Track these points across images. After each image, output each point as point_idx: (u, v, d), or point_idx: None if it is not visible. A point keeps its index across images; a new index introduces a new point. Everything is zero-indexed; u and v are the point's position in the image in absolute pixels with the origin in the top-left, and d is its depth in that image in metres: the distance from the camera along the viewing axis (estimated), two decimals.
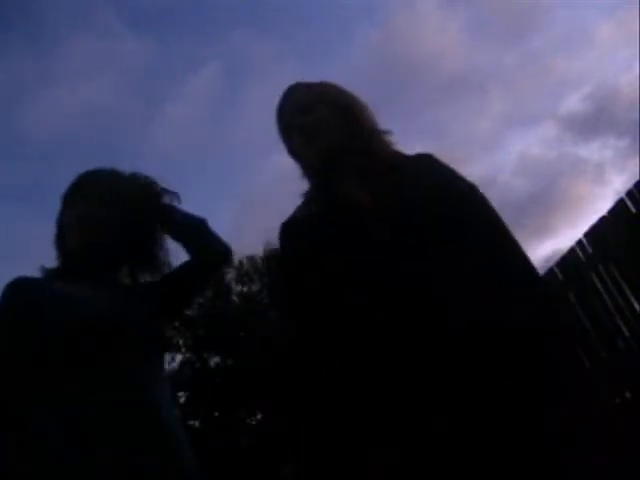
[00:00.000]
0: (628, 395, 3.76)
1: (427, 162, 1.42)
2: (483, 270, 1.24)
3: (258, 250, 11.36)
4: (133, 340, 1.48)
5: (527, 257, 1.33)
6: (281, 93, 1.55)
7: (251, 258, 11.02)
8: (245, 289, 10.99)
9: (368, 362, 1.23)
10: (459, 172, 1.41)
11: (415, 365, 1.18)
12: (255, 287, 10.95)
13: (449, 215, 1.28)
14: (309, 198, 1.47)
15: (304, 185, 1.50)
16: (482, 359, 1.17)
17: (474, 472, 1.11)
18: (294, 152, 1.50)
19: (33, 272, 1.58)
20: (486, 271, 1.24)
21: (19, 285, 1.52)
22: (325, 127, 1.43)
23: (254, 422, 10.07)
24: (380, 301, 1.24)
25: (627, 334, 3.87)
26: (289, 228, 1.44)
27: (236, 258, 11.09)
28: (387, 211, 1.31)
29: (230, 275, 11.06)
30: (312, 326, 1.33)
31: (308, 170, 1.49)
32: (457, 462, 1.12)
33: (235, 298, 10.78)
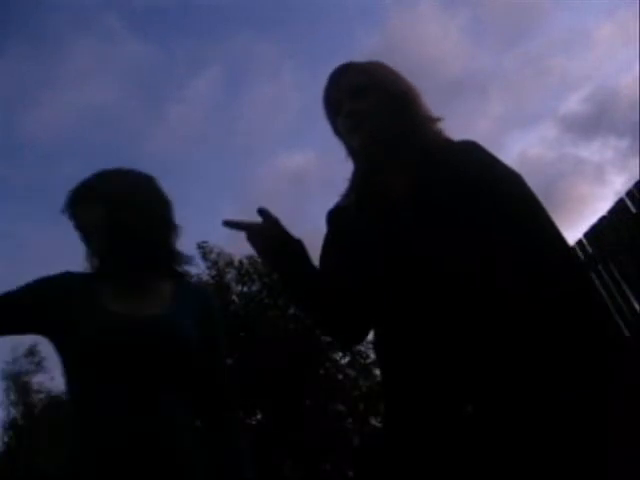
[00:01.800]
0: None
1: (470, 150, 1.40)
2: (516, 260, 1.23)
3: None
4: (164, 356, 1.47)
5: (568, 250, 1.31)
6: (332, 71, 1.50)
7: (251, 258, 11.00)
8: (245, 289, 10.98)
9: (401, 347, 1.26)
10: (502, 160, 1.39)
11: (444, 349, 1.20)
12: (255, 287, 10.93)
13: (485, 207, 1.27)
14: (350, 186, 1.48)
15: (349, 165, 1.50)
16: (503, 343, 1.17)
17: (494, 456, 1.13)
18: (340, 136, 1.49)
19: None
20: (519, 261, 1.23)
21: (68, 281, 1.54)
22: (374, 114, 1.40)
23: (254, 422, 10.06)
24: (406, 292, 1.26)
25: (627, 334, 3.87)
26: (331, 216, 1.47)
27: (236, 258, 11.09)
28: (422, 202, 1.32)
29: (230, 275, 11.05)
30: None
31: (352, 155, 1.48)
32: (481, 440, 1.14)
33: (235, 298, 10.77)
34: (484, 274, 1.22)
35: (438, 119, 1.45)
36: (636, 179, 3.75)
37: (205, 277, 10.88)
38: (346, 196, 1.47)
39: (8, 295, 1.50)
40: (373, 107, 1.41)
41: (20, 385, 16.79)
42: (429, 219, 1.29)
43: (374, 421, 9.30)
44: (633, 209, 3.75)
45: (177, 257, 1.66)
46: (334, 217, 1.47)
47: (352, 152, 1.48)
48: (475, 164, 1.35)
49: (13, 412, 16.35)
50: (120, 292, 1.53)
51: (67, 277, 1.55)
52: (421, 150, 1.39)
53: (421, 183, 1.34)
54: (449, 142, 1.44)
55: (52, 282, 1.53)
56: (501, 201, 1.29)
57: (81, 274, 1.57)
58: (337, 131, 1.50)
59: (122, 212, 1.54)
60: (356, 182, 1.47)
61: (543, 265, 1.24)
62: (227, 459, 1.52)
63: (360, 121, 1.41)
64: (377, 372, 9.11)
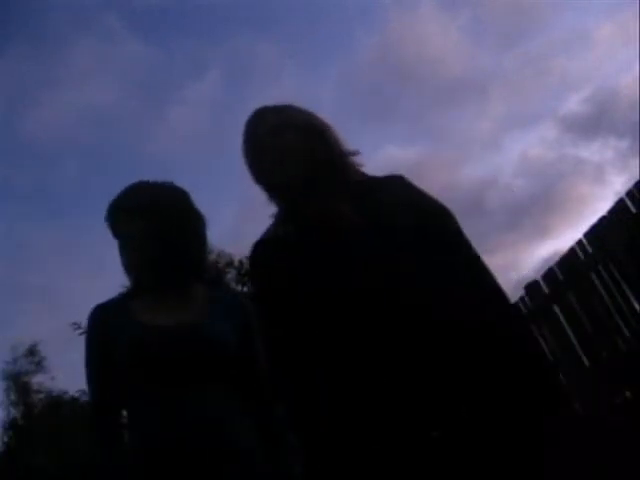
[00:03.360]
0: (628, 395, 3.76)
1: (400, 183, 1.46)
2: (456, 284, 1.29)
3: None
4: (206, 362, 1.55)
5: (488, 271, 1.38)
6: (248, 118, 1.55)
7: None
8: (245, 289, 10.98)
9: (357, 378, 1.24)
10: (429, 194, 1.45)
11: (397, 374, 1.22)
12: None
13: (425, 233, 1.32)
14: (282, 218, 1.45)
15: (271, 209, 1.48)
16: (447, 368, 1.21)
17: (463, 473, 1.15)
18: (264, 173, 1.47)
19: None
20: (459, 286, 1.29)
21: (99, 312, 1.64)
22: (297, 149, 1.44)
23: None
24: (364, 314, 1.26)
25: (627, 334, 3.87)
26: (266, 247, 1.43)
27: (236, 258, 11.10)
28: (368, 228, 1.33)
29: (230, 275, 11.06)
30: (297, 345, 1.33)
31: (280, 190, 1.45)
32: (448, 464, 1.16)
33: None
34: (439, 304, 1.25)
35: (354, 152, 1.49)
36: (636, 179, 3.75)
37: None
38: (277, 227, 1.45)
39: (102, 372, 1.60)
40: (295, 142, 1.44)
41: (20, 385, 16.80)
42: (381, 246, 1.31)
43: None
44: (633, 209, 3.76)
45: (206, 267, 1.81)
46: (270, 249, 1.42)
47: (280, 188, 1.45)
48: (409, 197, 1.40)
49: (13, 412, 16.37)
50: (156, 303, 1.61)
51: (97, 312, 1.65)
52: (350, 181, 1.42)
53: (363, 212, 1.36)
54: (372, 177, 1.48)
55: (95, 330, 1.63)
56: (437, 234, 1.34)
57: (111, 300, 1.68)
58: (261, 173, 1.49)
59: (161, 224, 1.62)
60: (293, 211, 1.45)
61: (478, 298, 1.29)
62: (274, 455, 1.58)
63: (285, 155, 1.43)
64: None
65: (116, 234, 1.66)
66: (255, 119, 1.54)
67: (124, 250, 1.64)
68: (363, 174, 1.49)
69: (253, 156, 1.50)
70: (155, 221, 1.62)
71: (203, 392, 1.51)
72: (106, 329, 1.60)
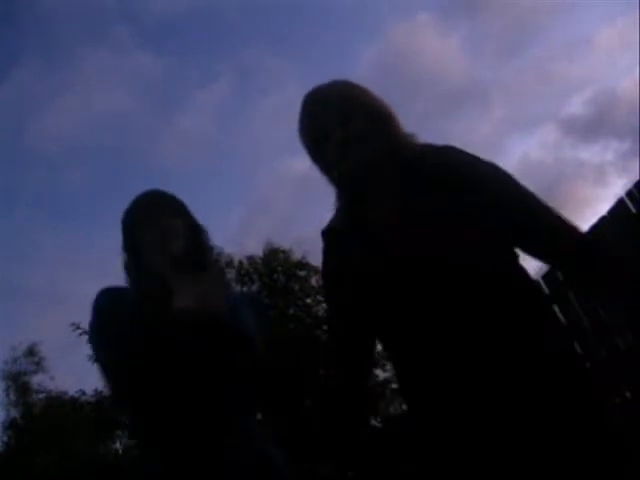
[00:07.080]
0: (628, 395, 3.76)
1: (448, 156, 1.43)
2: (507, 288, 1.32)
3: (258, 250, 11.39)
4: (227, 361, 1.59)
5: (571, 229, 1.41)
6: (308, 97, 1.51)
7: (251, 258, 11.02)
8: (245, 289, 11.00)
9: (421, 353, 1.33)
10: (481, 163, 1.43)
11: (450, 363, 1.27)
12: (255, 287, 10.95)
13: (477, 204, 1.33)
14: (342, 209, 1.52)
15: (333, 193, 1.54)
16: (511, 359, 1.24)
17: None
18: (326, 163, 1.49)
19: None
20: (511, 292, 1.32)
21: (110, 295, 1.68)
22: (362, 138, 1.43)
23: None
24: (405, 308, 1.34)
25: (627, 334, 3.87)
26: (328, 237, 1.53)
27: (236, 258, 11.10)
28: (407, 229, 1.36)
29: (230, 275, 11.06)
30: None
31: (340, 182, 1.50)
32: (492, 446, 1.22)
33: None
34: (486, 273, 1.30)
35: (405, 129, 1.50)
36: (636, 180, 3.75)
37: None
38: (337, 219, 1.53)
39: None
40: (359, 131, 1.43)
41: (20, 385, 16.79)
42: (418, 250, 1.34)
43: (373, 421, 9.30)
44: (633, 209, 3.75)
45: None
46: (330, 240, 1.53)
47: (340, 179, 1.50)
48: (454, 180, 1.38)
49: (13, 412, 16.35)
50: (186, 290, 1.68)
51: (110, 293, 1.69)
52: (403, 165, 1.43)
53: (405, 207, 1.39)
54: (426, 150, 1.48)
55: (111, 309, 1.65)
56: (494, 194, 1.36)
57: (124, 288, 1.74)
58: (322, 161, 1.51)
59: (192, 222, 1.83)
60: (345, 209, 1.52)
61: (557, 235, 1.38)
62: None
63: (349, 147, 1.42)
64: (376, 372, 9.11)
65: (153, 227, 1.74)
66: (317, 102, 1.49)
67: (165, 240, 1.73)
68: (419, 148, 1.48)
69: (315, 144, 1.49)
70: (189, 219, 1.82)
71: (221, 390, 1.55)
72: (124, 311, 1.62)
